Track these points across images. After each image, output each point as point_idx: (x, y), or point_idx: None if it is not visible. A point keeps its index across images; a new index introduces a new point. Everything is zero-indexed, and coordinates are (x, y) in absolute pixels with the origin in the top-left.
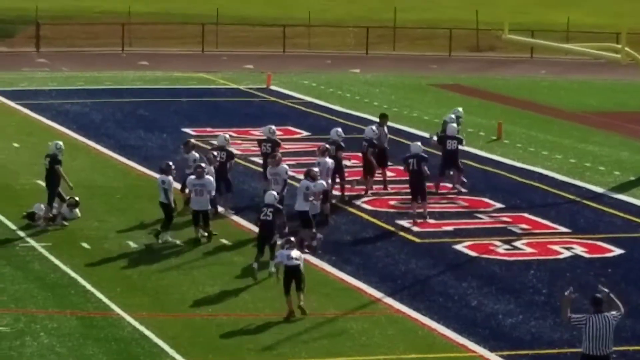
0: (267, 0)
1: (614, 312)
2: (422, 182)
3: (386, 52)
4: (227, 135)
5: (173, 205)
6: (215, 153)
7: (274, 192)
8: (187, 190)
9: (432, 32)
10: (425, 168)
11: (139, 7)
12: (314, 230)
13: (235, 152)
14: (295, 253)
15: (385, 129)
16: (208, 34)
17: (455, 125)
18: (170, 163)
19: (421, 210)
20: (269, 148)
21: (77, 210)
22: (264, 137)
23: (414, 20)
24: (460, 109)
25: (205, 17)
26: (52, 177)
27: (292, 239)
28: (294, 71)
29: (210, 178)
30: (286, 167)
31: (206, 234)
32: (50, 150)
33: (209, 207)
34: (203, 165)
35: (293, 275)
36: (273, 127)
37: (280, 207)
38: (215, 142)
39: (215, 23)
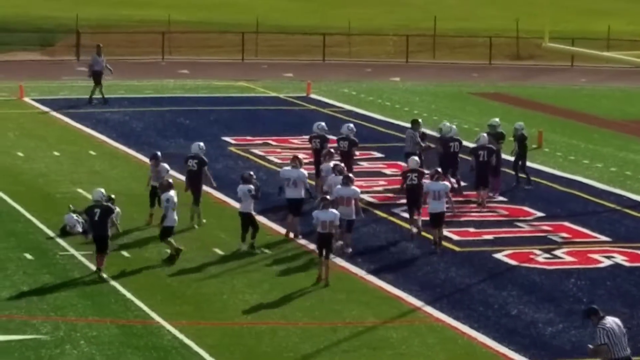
0: (307, 9)
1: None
2: (488, 173)
3: (426, 61)
4: (199, 144)
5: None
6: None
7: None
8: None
9: (472, 40)
10: (493, 159)
11: (178, 16)
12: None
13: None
14: (329, 215)
15: (417, 135)
16: (248, 43)
17: (485, 135)
18: (252, 172)
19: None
20: (318, 144)
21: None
22: (314, 134)
23: (454, 28)
24: (497, 119)
25: (245, 25)
26: (199, 178)
27: (328, 197)
28: (333, 79)
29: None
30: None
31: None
32: (193, 151)
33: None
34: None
35: (325, 241)
36: (322, 123)
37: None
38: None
39: (255, 32)
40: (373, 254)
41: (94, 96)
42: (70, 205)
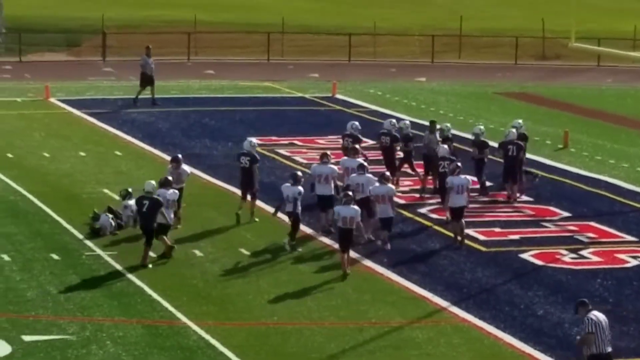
0: (333, 9)
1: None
2: (517, 167)
3: (452, 61)
4: (254, 140)
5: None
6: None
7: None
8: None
9: (497, 40)
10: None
11: (204, 16)
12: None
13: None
14: (350, 211)
15: (437, 135)
16: (273, 43)
17: (515, 130)
18: (300, 173)
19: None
20: (350, 143)
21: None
22: (347, 132)
23: (480, 28)
24: (520, 121)
25: (270, 26)
26: (252, 175)
27: (350, 193)
28: (359, 80)
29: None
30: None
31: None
32: (245, 149)
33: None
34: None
35: (346, 237)
36: (356, 122)
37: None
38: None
39: (280, 32)
40: (399, 255)
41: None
42: (95, 210)
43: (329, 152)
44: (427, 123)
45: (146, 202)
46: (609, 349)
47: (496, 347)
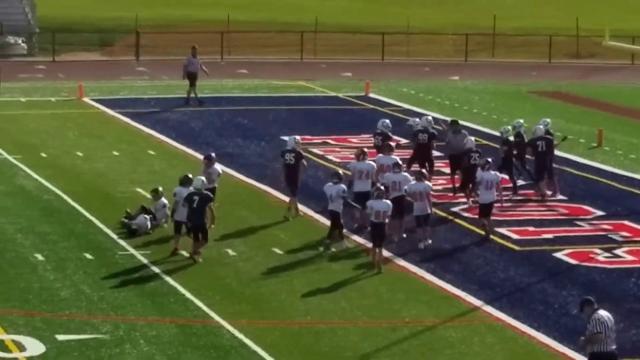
0: (366, 8)
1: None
2: (549, 162)
3: (485, 60)
4: (297, 137)
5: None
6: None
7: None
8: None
9: (531, 39)
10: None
11: (238, 16)
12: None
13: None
14: (383, 205)
15: (462, 134)
16: (307, 42)
17: (542, 127)
18: (341, 172)
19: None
20: (380, 140)
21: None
22: (378, 131)
23: (513, 27)
24: (548, 120)
25: (304, 25)
26: (297, 171)
27: (382, 187)
28: (392, 79)
29: None
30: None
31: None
32: (290, 145)
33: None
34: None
35: (378, 231)
36: (387, 120)
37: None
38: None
39: (314, 31)
40: (432, 254)
41: (191, 96)
42: (128, 209)
43: (365, 149)
44: (461, 122)
45: (196, 197)
46: (613, 347)
47: (530, 346)
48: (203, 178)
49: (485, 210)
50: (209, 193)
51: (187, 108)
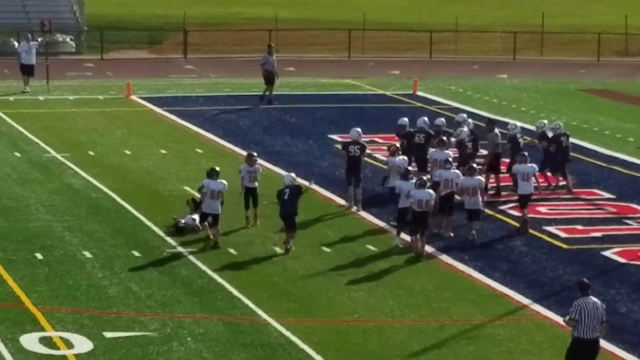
0: (414, 6)
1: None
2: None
3: (534, 57)
4: (359, 129)
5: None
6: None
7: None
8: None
9: (580, 37)
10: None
11: (286, 14)
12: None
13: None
14: (425, 195)
15: (497, 134)
16: (355, 40)
17: (561, 123)
18: (410, 168)
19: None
20: (422, 138)
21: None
22: (418, 127)
23: (562, 25)
24: (561, 123)
25: (352, 23)
26: (360, 163)
27: (425, 177)
28: (440, 77)
29: None
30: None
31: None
32: (353, 137)
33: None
34: None
35: (421, 220)
36: (426, 118)
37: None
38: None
39: (362, 29)
40: (480, 252)
41: (267, 94)
42: (174, 216)
43: (397, 145)
44: (509, 120)
45: (287, 190)
46: (594, 335)
47: None
48: (293, 174)
49: (524, 201)
50: (298, 184)
51: (233, 106)
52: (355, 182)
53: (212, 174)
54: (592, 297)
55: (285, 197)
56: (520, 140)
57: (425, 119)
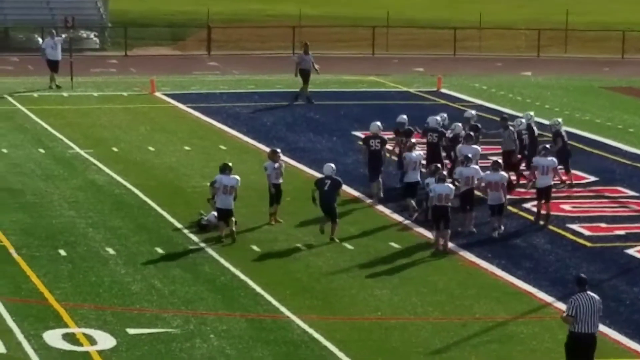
0: (438, 3)
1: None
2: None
3: (558, 55)
4: (379, 123)
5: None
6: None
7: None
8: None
9: (604, 34)
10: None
11: (309, 10)
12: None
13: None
14: (444, 189)
15: (513, 131)
16: (378, 37)
17: (561, 120)
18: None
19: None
20: (435, 138)
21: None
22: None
23: (586, 22)
24: (561, 120)
25: (375, 20)
26: (380, 157)
27: (439, 166)
28: (464, 74)
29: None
30: None
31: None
32: (373, 131)
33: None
34: None
35: (441, 214)
36: (444, 115)
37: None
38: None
39: (385, 26)
40: (504, 250)
41: (302, 92)
42: (201, 211)
43: (414, 140)
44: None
45: (327, 181)
46: (592, 330)
47: (601, 343)
48: (332, 165)
49: (543, 194)
50: (338, 178)
51: (257, 103)
52: (376, 176)
53: (225, 169)
54: (589, 292)
55: (326, 187)
56: (524, 137)
57: (438, 118)
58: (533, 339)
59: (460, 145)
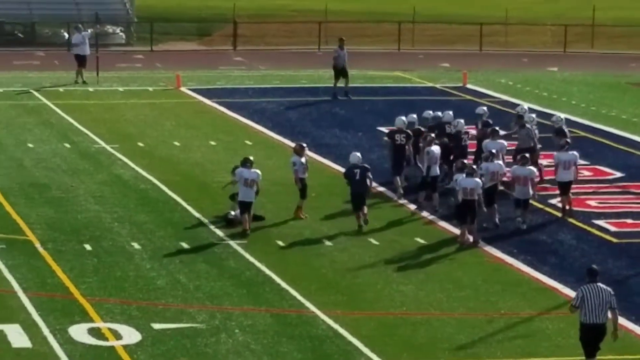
0: None
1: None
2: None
3: (584, 50)
4: (404, 118)
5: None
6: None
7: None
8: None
9: (631, 30)
10: None
11: (335, 6)
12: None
13: None
14: (471, 183)
15: (530, 128)
16: (404, 32)
17: (562, 119)
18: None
19: None
20: (403, 139)
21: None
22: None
23: (613, 18)
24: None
25: (401, 15)
26: (404, 151)
27: (466, 162)
28: (490, 69)
29: None
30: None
31: None
32: (398, 126)
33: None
34: None
35: (468, 208)
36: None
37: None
38: None
39: (411, 21)
40: (529, 246)
41: (339, 85)
42: (231, 211)
43: (433, 135)
44: (559, 114)
45: (357, 170)
46: (599, 321)
47: (628, 339)
48: (359, 154)
49: (564, 188)
50: (366, 165)
51: (282, 98)
52: (399, 170)
53: (246, 163)
54: (600, 284)
55: (357, 177)
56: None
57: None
58: (558, 334)
59: (486, 140)
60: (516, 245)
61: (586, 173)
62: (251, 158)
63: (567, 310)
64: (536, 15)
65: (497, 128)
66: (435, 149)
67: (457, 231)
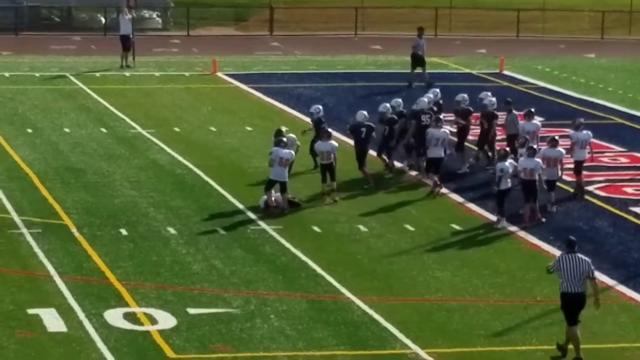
0: None
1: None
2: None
3: (622, 37)
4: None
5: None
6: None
7: None
8: None
9: None
10: None
11: None
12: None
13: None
14: (530, 163)
15: (516, 114)
16: (441, 18)
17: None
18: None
19: None
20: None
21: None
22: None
23: None
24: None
25: (438, 1)
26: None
27: (534, 146)
28: (527, 56)
29: None
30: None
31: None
32: (422, 106)
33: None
34: None
35: (528, 187)
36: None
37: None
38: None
39: (449, 7)
40: (565, 233)
41: (416, 72)
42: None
43: (441, 117)
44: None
45: (363, 129)
46: (577, 290)
47: None
48: (365, 112)
49: (578, 167)
50: (371, 124)
51: (319, 84)
52: (423, 150)
53: (280, 142)
54: (579, 254)
55: (363, 135)
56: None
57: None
58: (594, 322)
59: (522, 122)
60: (553, 232)
61: (623, 160)
62: (284, 137)
63: (606, 298)
64: (574, 2)
65: (532, 109)
66: (435, 131)
67: (493, 218)
